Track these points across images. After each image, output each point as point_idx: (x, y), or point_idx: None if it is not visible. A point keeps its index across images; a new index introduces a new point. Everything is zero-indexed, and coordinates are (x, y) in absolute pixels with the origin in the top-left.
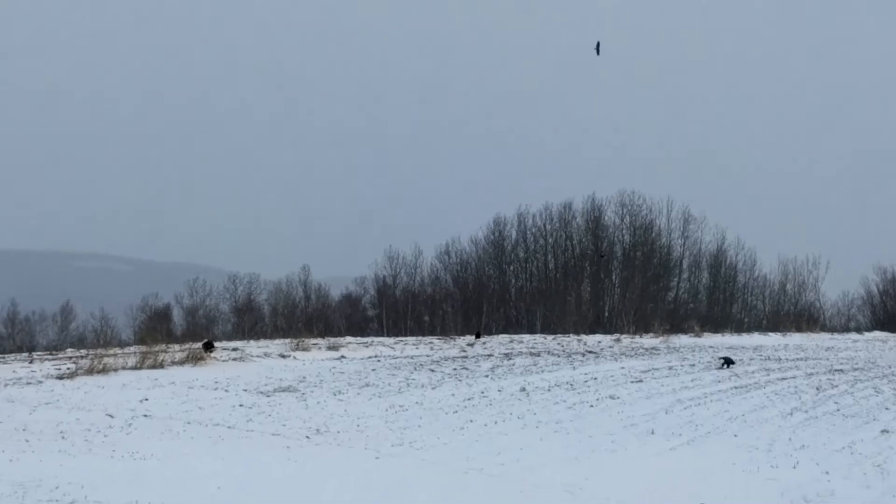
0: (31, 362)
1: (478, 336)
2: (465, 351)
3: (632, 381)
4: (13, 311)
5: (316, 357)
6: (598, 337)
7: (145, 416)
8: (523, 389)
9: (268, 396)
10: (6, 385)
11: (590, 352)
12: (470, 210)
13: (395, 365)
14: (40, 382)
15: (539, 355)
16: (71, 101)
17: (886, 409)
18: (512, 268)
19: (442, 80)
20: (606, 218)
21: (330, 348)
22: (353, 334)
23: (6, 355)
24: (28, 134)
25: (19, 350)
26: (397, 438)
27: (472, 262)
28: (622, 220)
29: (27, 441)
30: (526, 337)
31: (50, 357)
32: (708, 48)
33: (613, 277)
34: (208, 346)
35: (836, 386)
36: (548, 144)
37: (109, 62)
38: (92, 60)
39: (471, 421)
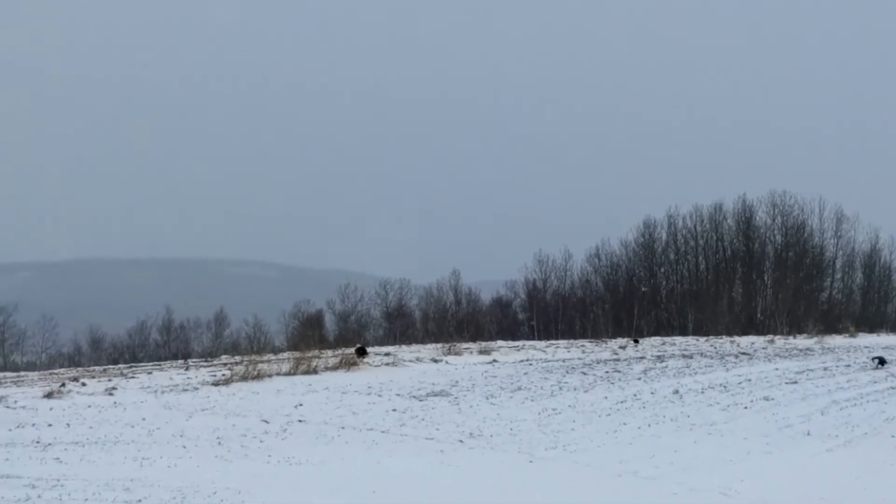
0: (186, 369)
1: (636, 343)
2: (616, 354)
3: (786, 383)
4: (168, 319)
5: (468, 361)
6: (752, 338)
7: (300, 421)
8: (676, 392)
9: (421, 401)
10: (163, 392)
11: (743, 353)
12: (619, 212)
13: (546, 368)
14: (196, 389)
15: (692, 357)
16: (248, 117)
17: None
18: (663, 270)
19: (582, 79)
20: (757, 218)
21: (482, 352)
22: (504, 338)
23: (162, 362)
24: (194, 153)
25: (175, 357)
26: (551, 442)
27: (622, 264)
28: (773, 221)
29: (184, 447)
30: (678, 339)
31: (205, 364)
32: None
33: (766, 278)
34: (361, 352)
35: None
36: (696, 144)
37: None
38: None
39: (624, 423)
